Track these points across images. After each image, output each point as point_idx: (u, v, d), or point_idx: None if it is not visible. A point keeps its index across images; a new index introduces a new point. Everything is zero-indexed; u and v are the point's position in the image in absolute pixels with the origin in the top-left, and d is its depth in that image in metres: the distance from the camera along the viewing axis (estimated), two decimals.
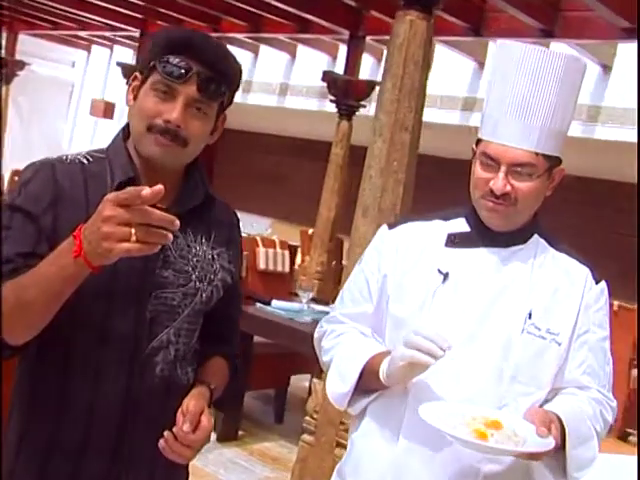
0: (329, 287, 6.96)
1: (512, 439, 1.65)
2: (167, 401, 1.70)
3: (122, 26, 8.87)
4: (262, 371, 5.25)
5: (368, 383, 1.87)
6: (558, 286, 1.89)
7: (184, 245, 1.71)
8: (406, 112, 2.96)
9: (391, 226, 2.01)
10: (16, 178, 7.96)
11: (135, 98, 1.68)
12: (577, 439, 1.76)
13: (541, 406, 1.84)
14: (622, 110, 6.72)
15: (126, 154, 1.69)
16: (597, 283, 1.92)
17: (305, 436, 3.17)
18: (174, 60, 1.61)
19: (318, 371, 3.21)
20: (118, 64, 8.86)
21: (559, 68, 1.79)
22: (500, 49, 1.88)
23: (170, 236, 1.35)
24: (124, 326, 1.64)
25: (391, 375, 1.77)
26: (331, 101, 7.19)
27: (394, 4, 6.34)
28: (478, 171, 1.84)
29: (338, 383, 1.91)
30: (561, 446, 1.72)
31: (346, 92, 7.01)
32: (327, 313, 4.90)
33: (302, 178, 10.84)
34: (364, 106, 7.15)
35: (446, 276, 1.88)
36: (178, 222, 1.35)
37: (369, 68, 8.02)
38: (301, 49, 8.68)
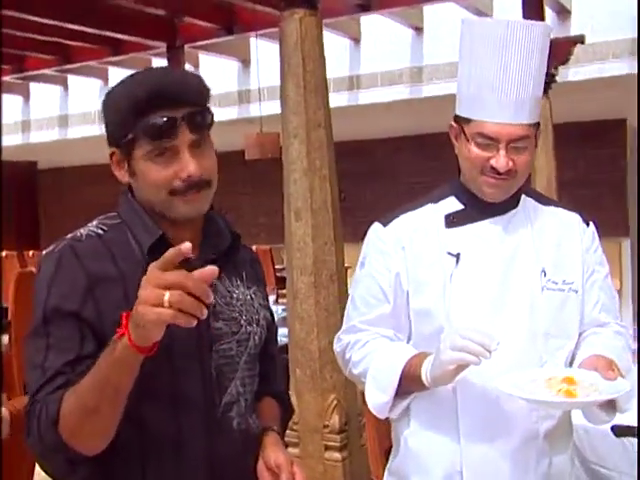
0: None
1: (592, 389, 1.71)
2: (247, 454, 1.65)
3: None
4: None
5: (407, 387, 1.88)
6: (559, 237, 1.97)
7: (225, 292, 1.64)
8: (315, 109, 2.97)
9: (385, 223, 1.99)
10: None
11: (132, 174, 1.55)
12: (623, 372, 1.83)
13: (574, 354, 1.93)
14: (443, 65, 7.03)
15: (144, 213, 1.58)
16: (587, 225, 2.02)
17: (290, 449, 3.12)
18: (154, 121, 1.47)
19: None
20: None
21: (536, 37, 1.83)
22: (471, 27, 1.89)
23: (205, 311, 1.26)
24: (193, 390, 1.55)
25: (437, 378, 1.78)
26: None
27: (204, 10, 6.38)
28: (475, 151, 1.86)
29: (378, 394, 1.91)
30: None
31: None
32: None
33: None
34: None
35: (458, 257, 1.91)
36: (212, 297, 1.27)
37: None
38: (113, 71, 8.41)
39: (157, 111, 1.47)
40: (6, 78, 7.86)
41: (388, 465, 2.08)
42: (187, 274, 1.24)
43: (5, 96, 9.24)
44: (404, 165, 9.28)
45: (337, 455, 3.03)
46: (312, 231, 2.99)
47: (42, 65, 7.55)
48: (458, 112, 1.92)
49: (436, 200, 2.00)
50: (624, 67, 6.34)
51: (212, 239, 1.65)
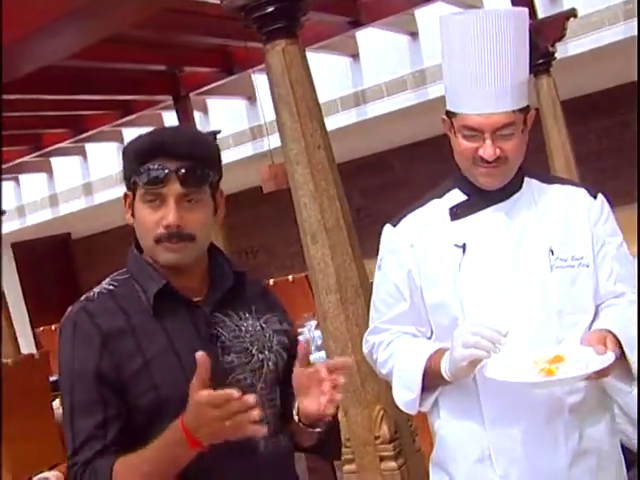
0: None
1: (576, 366, 1.75)
2: (277, 473, 1.74)
3: None
4: None
5: (432, 382, 1.95)
6: (565, 214, 1.99)
7: (233, 327, 1.75)
8: (312, 132, 3.04)
9: (394, 224, 2.07)
10: None
11: (133, 215, 1.71)
12: (632, 342, 1.85)
13: (590, 328, 1.94)
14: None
15: (148, 265, 1.72)
16: (595, 198, 2.03)
17: (347, 467, 3.18)
18: (149, 167, 1.63)
19: None
20: None
21: (511, 24, 1.86)
22: (447, 23, 1.92)
23: (263, 429, 1.48)
24: None
25: (455, 374, 1.85)
26: None
27: (201, 57, 6.51)
28: (463, 143, 1.92)
29: (405, 392, 1.98)
30: (622, 355, 1.82)
31: None
32: None
33: None
34: None
35: (464, 247, 1.96)
36: (256, 410, 1.46)
37: (200, 123, 8.04)
38: (127, 132, 8.60)
39: (155, 160, 1.63)
40: (26, 158, 8.11)
41: (431, 457, 2.13)
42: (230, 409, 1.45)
43: (29, 175, 9.51)
44: (422, 170, 9.27)
45: (393, 464, 3.06)
46: (330, 251, 3.06)
47: (59, 139, 7.79)
48: (447, 107, 1.97)
49: (441, 195, 2.06)
50: (620, 32, 6.33)
51: (218, 282, 1.77)
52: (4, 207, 8.60)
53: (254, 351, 1.75)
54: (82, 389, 1.60)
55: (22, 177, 9.77)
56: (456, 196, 2.03)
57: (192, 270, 1.73)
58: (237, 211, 9.55)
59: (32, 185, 9.76)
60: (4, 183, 9.76)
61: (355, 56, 7.62)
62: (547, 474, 1.92)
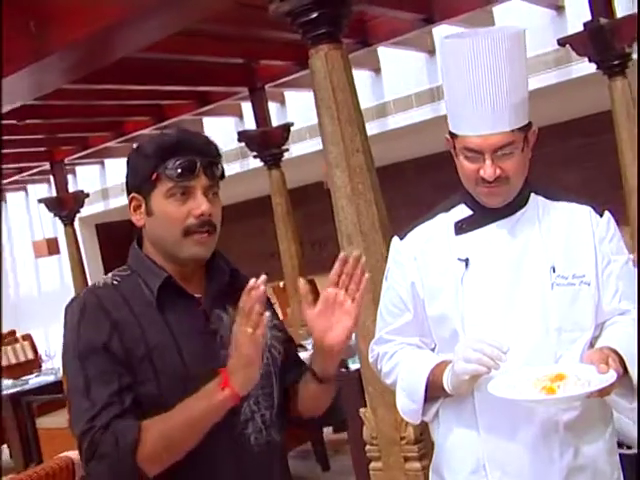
0: None
1: (578, 384, 1.76)
2: (269, 465, 1.81)
3: (31, 165, 8.90)
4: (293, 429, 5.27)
5: (434, 393, 1.99)
6: (568, 232, 1.99)
7: (229, 322, 1.78)
8: (352, 137, 3.09)
9: (402, 237, 2.11)
10: None
11: (149, 214, 1.75)
12: (635, 360, 1.84)
13: (591, 345, 1.95)
14: None
15: (150, 262, 1.79)
16: (601, 216, 2.03)
17: (373, 464, 3.25)
18: (179, 161, 1.70)
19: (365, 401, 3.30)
20: (40, 201, 8.85)
21: (506, 45, 1.86)
22: (445, 47, 1.94)
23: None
24: None
25: (457, 387, 1.89)
26: (255, 157, 7.34)
27: (277, 50, 6.62)
28: (465, 164, 1.94)
29: (408, 402, 2.04)
30: (624, 373, 1.82)
31: (266, 144, 7.17)
32: None
33: (239, 240, 10.69)
34: (287, 150, 7.32)
35: (467, 262, 1.99)
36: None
37: (276, 114, 8.17)
38: (207, 121, 8.82)
39: (179, 156, 1.71)
40: (110, 143, 8.42)
41: (431, 464, 2.18)
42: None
43: (114, 160, 9.84)
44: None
45: (417, 465, 3.11)
46: (364, 253, 3.09)
47: (141, 126, 8.04)
48: (449, 128, 1.99)
49: (448, 209, 2.09)
50: None
51: (214, 277, 1.84)
52: (89, 190, 8.98)
53: None
54: (93, 361, 1.66)
55: (107, 161, 10.11)
56: (462, 211, 2.06)
57: (195, 267, 1.81)
58: (308, 204, 9.67)
59: (116, 170, 10.07)
60: (91, 167, 10.17)
61: (431, 52, 7.59)
62: None
